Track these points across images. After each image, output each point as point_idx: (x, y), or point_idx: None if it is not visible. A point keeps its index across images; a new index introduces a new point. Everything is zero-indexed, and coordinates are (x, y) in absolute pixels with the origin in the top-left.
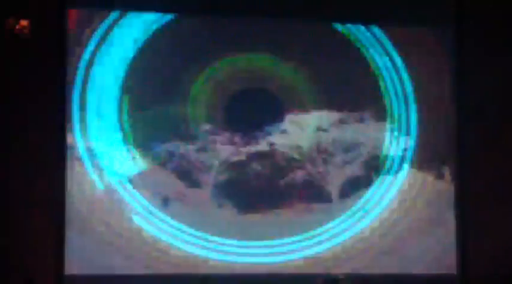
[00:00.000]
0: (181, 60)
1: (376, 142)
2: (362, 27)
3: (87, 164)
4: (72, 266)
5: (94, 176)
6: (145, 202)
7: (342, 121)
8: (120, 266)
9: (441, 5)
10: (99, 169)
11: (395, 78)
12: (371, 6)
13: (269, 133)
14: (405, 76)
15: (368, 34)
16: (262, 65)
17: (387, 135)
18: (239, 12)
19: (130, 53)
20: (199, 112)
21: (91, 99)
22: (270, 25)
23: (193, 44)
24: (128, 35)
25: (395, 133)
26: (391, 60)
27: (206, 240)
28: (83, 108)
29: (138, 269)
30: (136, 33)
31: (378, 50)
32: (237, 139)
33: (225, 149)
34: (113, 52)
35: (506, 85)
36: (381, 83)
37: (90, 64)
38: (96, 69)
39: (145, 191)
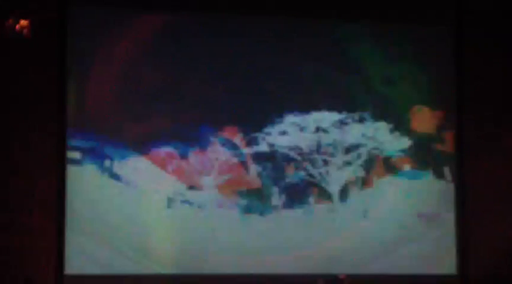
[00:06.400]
0: (181, 60)
1: (376, 142)
2: (363, 27)
3: (88, 164)
4: (72, 266)
5: (94, 176)
6: (145, 203)
7: (342, 122)
8: (120, 266)
9: (441, 5)
10: (100, 170)
11: (396, 78)
12: (371, 6)
13: (269, 134)
14: (405, 76)
15: (369, 34)
16: (262, 65)
17: (387, 135)
18: (239, 11)
19: (130, 53)
20: (199, 113)
21: (91, 99)
22: (270, 24)
23: (194, 44)
24: (129, 34)
25: (396, 133)
26: (392, 60)
27: (207, 240)
28: (83, 108)
29: (138, 269)
30: (137, 33)
31: (378, 49)
32: (237, 140)
33: (225, 150)
34: (114, 51)
35: (506, 85)
36: (381, 83)
37: (90, 64)
38: (96, 69)
39: (146, 192)
